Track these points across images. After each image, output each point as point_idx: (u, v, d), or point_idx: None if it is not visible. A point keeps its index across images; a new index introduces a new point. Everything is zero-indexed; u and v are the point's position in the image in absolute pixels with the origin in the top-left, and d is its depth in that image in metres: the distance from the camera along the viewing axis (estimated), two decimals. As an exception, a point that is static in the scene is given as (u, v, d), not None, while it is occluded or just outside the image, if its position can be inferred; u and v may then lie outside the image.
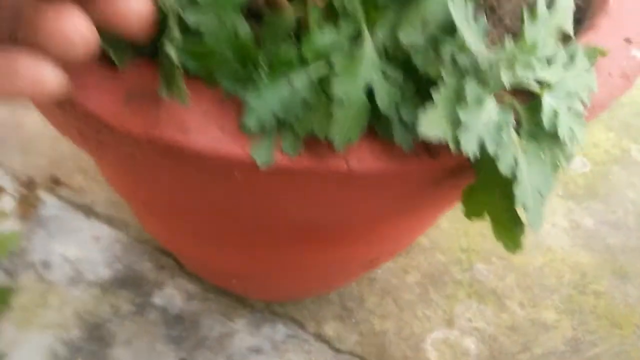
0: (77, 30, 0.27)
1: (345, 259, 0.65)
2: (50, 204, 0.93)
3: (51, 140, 1.02)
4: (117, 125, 0.34)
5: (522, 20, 0.39)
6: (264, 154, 0.35)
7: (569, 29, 0.42)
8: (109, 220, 0.94)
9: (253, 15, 0.38)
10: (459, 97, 0.34)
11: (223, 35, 0.34)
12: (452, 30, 0.34)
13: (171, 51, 0.32)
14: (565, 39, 0.44)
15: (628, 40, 0.49)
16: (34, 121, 1.03)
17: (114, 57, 0.35)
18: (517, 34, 0.53)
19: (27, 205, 0.88)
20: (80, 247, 0.92)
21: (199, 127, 0.35)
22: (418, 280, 0.98)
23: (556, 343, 1.02)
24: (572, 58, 0.41)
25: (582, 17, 0.56)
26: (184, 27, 0.34)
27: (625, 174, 1.29)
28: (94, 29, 0.28)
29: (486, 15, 0.55)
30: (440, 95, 0.33)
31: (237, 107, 0.36)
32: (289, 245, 0.57)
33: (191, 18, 0.34)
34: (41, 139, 1.02)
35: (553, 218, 1.21)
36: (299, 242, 0.56)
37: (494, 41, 0.52)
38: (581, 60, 0.41)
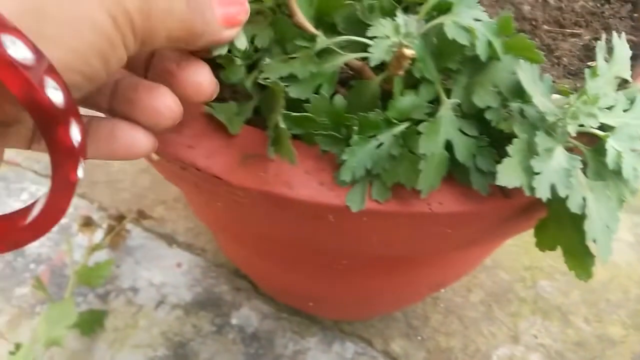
0: (165, 106, 0.34)
1: (415, 283, 0.70)
2: (135, 234, 1.03)
3: (133, 176, 1.12)
4: (235, 183, 0.41)
5: (581, 63, 0.43)
6: (357, 201, 0.41)
7: (627, 75, 0.45)
8: (189, 247, 1.02)
9: (342, 82, 0.44)
10: (530, 148, 0.38)
11: (321, 105, 0.40)
12: (521, 91, 0.38)
13: (280, 121, 0.38)
14: (624, 81, 0.47)
15: (684, 76, 0.51)
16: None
17: (228, 126, 0.42)
18: (576, 74, 0.57)
19: (117, 237, 0.97)
20: (164, 272, 1.00)
21: (302, 181, 0.41)
22: (482, 299, 1.01)
23: (624, 358, 1.02)
24: (631, 102, 0.44)
25: (637, 52, 0.59)
26: (289, 99, 0.40)
27: (691, 186, 1.27)
28: (179, 103, 0.35)
29: (544, 56, 0.59)
30: (514, 148, 0.38)
31: (332, 161, 0.42)
32: (366, 272, 0.62)
33: (293, 92, 0.40)
34: (125, 175, 1.12)
35: (618, 233, 1.20)
36: (375, 270, 0.61)
37: (554, 82, 0.56)
38: (640, 104, 0.44)
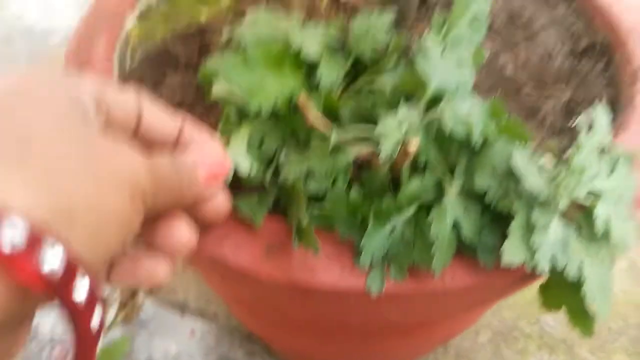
0: (181, 240, 0.37)
1: (426, 339, 0.73)
2: (148, 306, 1.04)
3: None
4: (262, 275, 0.44)
5: (564, 121, 0.47)
6: (376, 284, 0.44)
7: (608, 142, 0.50)
8: (201, 314, 1.04)
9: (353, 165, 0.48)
10: (529, 225, 0.42)
11: (338, 198, 0.44)
12: (516, 173, 0.43)
13: (303, 215, 0.42)
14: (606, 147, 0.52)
15: (659, 134, 0.56)
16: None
17: (252, 220, 0.46)
18: (560, 132, 0.62)
19: (130, 311, 0.98)
20: (178, 342, 1.02)
21: (325, 268, 0.44)
22: (490, 339, 1.04)
23: (630, 385, 1.05)
24: (614, 167, 0.49)
25: (615, 108, 0.64)
26: (308, 193, 0.44)
27: (676, 208, 1.32)
28: (196, 234, 0.38)
29: (528, 117, 0.64)
30: (514, 226, 0.42)
31: (351, 246, 0.46)
32: (381, 335, 0.65)
33: (313, 187, 0.44)
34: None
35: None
36: (391, 332, 0.64)
37: (540, 144, 0.61)
38: (622, 167, 0.49)
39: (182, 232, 0.37)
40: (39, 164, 0.27)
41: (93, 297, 0.27)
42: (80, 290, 0.27)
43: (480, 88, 0.65)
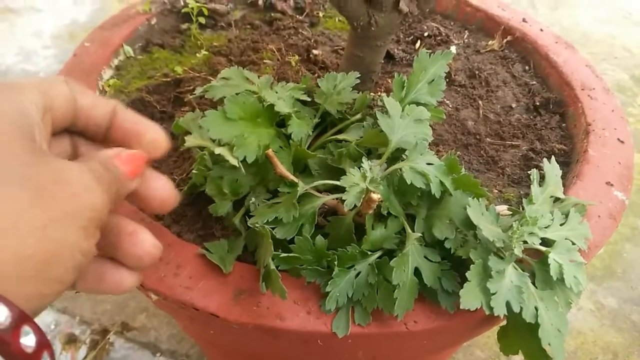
0: (145, 252, 0.37)
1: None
2: (119, 346, 1.03)
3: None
4: (231, 319, 0.46)
5: (522, 172, 0.50)
6: (342, 327, 0.46)
7: (560, 194, 0.54)
8: (172, 354, 1.03)
9: (320, 213, 0.50)
10: (486, 271, 0.45)
11: (304, 245, 0.46)
12: (472, 223, 0.46)
13: (271, 263, 0.44)
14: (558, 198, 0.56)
15: (609, 184, 0.60)
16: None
17: (221, 266, 0.48)
18: (519, 182, 0.65)
19: (101, 351, 0.97)
20: (149, 383, 1.00)
21: (292, 313, 0.46)
22: (461, 381, 1.05)
23: None
24: (566, 216, 0.52)
25: (569, 160, 0.68)
26: (275, 239, 0.46)
27: (638, 250, 1.37)
28: (159, 246, 0.38)
29: (489, 167, 0.68)
30: (472, 272, 0.44)
31: (317, 290, 0.47)
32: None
33: (279, 234, 0.46)
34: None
35: (578, 302, 1.28)
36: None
37: (501, 191, 0.64)
38: (574, 216, 0.52)
39: (146, 245, 0.37)
40: None
41: (42, 342, 0.27)
42: (28, 338, 0.27)
43: (443, 140, 0.69)
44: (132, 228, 0.37)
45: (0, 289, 0.26)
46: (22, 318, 0.27)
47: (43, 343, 0.28)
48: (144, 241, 0.37)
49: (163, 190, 0.40)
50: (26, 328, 0.27)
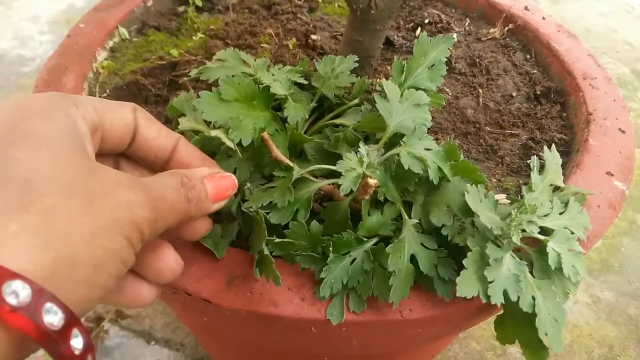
0: (167, 267, 0.38)
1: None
2: (113, 333, 1.02)
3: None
4: (224, 305, 0.45)
5: (522, 161, 0.49)
6: (336, 314, 0.45)
7: (560, 182, 0.53)
8: (167, 343, 1.02)
9: (316, 199, 0.49)
10: (483, 259, 0.44)
11: (299, 230, 0.45)
12: (471, 209, 0.45)
13: (265, 247, 0.43)
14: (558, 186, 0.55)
15: (609, 174, 0.59)
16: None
17: (214, 251, 0.47)
18: (518, 171, 0.64)
19: (95, 339, 0.96)
20: (143, 371, 1.00)
21: (286, 299, 0.45)
22: (456, 372, 1.04)
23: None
24: (565, 205, 0.51)
25: (570, 149, 0.67)
26: (270, 225, 0.45)
27: (636, 245, 1.37)
28: (181, 262, 0.39)
29: (488, 156, 0.67)
30: (469, 260, 0.43)
31: (311, 276, 0.47)
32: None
33: (274, 218, 0.45)
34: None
35: (574, 295, 1.28)
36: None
37: (500, 180, 0.63)
38: (573, 205, 0.51)
39: (169, 260, 0.38)
40: (40, 211, 0.27)
41: (69, 321, 0.28)
42: (53, 317, 0.27)
43: (442, 129, 0.68)
44: (156, 242, 0.38)
45: (55, 291, 0.27)
46: (73, 321, 0.28)
47: (89, 346, 0.29)
48: (168, 256, 0.38)
49: (203, 221, 0.41)
50: (75, 331, 0.28)
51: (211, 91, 0.47)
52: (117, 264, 0.31)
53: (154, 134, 0.41)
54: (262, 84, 0.50)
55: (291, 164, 0.47)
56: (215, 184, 0.39)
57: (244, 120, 0.47)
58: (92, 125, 0.36)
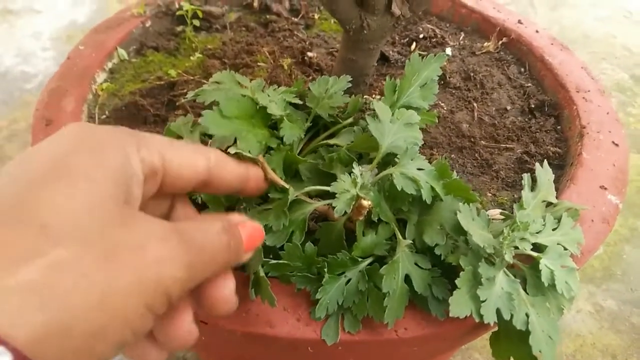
0: (178, 336, 0.33)
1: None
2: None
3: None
4: (220, 325, 0.45)
5: (517, 175, 0.50)
6: (331, 335, 0.46)
7: (552, 199, 0.53)
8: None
9: (311, 218, 0.50)
10: (476, 277, 0.44)
11: (294, 252, 0.46)
12: (463, 228, 0.45)
13: (260, 270, 0.43)
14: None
15: (603, 188, 0.60)
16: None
17: (212, 272, 0.47)
18: (513, 185, 0.65)
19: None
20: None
21: (282, 320, 0.46)
22: (459, 384, 1.04)
23: None
24: (558, 221, 0.52)
25: (564, 163, 0.68)
26: (265, 245, 0.46)
27: (638, 252, 1.37)
28: (195, 331, 0.34)
29: (483, 170, 0.67)
30: (461, 279, 0.44)
31: (307, 297, 0.47)
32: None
33: (269, 241, 0.46)
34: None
35: (577, 304, 1.27)
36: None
37: (495, 195, 0.64)
38: (566, 221, 0.52)
39: (183, 328, 0.33)
40: (46, 265, 0.24)
41: None
42: None
43: (437, 143, 0.69)
44: (174, 309, 0.34)
45: None
46: None
47: None
48: (183, 323, 0.33)
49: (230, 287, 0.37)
50: None
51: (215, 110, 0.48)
52: (123, 333, 0.27)
53: (230, 177, 0.39)
54: (259, 104, 0.50)
55: (286, 185, 0.47)
56: (248, 231, 0.36)
57: (247, 135, 0.48)
58: (151, 170, 0.33)
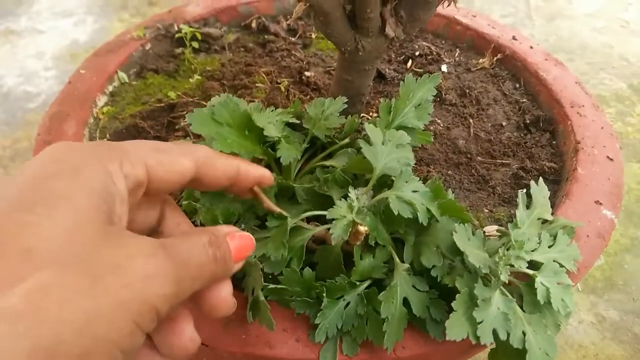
0: (180, 345, 0.34)
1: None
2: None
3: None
4: (221, 348, 0.46)
5: (513, 190, 0.50)
6: (329, 357, 0.46)
7: (548, 216, 0.54)
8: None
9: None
10: (472, 299, 0.45)
11: (292, 277, 0.46)
12: (459, 249, 0.46)
13: (260, 294, 0.44)
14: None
15: (598, 203, 0.61)
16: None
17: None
18: (509, 201, 0.66)
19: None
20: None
21: (281, 341, 0.46)
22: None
23: None
24: (554, 238, 0.52)
25: (560, 178, 0.68)
26: (264, 273, 0.46)
27: (639, 261, 1.37)
28: (197, 339, 0.35)
29: (479, 186, 0.68)
30: (457, 302, 0.44)
31: (306, 320, 0.48)
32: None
33: (267, 269, 0.47)
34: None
35: (579, 314, 1.27)
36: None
37: (492, 211, 0.65)
38: (562, 238, 0.52)
39: (184, 337, 0.34)
40: (28, 290, 0.24)
41: None
42: None
43: (434, 160, 0.70)
44: (175, 313, 0.34)
45: None
46: None
47: None
48: (183, 332, 0.34)
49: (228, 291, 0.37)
50: None
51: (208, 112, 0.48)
52: (110, 354, 0.26)
53: (220, 173, 0.39)
54: (256, 124, 0.51)
55: (284, 213, 0.47)
56: (236, 242, 0.36)
57: (232, 144, 0.48)
58: (135, 183, 0.33)
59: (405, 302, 0.46)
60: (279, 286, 0.45)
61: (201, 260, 0.32)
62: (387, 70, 0.84)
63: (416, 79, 0.57)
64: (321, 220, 0.50)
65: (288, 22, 0.93)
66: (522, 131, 0.76)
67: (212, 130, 0.47)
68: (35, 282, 0.25)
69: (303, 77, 0.79)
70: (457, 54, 0.89)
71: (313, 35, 0.93)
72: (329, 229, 0.46)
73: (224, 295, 0.36)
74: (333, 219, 0.45)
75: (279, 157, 0.52)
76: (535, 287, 0.48)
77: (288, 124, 0.58)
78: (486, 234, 0.60)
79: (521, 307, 0.49)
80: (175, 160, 0.36)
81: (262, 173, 0.43)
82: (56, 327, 0.24)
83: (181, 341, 0.34)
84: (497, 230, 0.58)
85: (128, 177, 0.32)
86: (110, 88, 0.76)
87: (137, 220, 0.37)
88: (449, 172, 0.69)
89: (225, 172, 0.40)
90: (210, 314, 0.36)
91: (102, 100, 0.74)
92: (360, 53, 0.61)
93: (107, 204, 0.30)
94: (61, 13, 2.16)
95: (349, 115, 0.60)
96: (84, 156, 0.31)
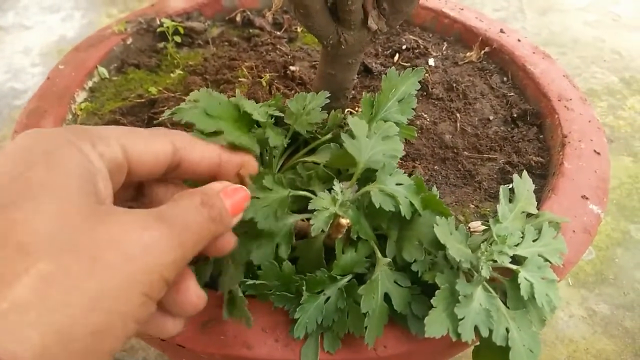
0: (189, 301, 0.35)
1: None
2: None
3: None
4: (198, 350, 0.45)
5: (499, 185, 0.49)
6: (310, 356, 0.45)
7: (532, 209, 0.53)
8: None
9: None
10: (453, 295, 0.44)
11: (271, 271, 0.45)
12: (441, 244, 0.45)
13: (236, 288, 0.43)
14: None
15: (585, 197, 0.60)
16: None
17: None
18: (496, 196, 0.65)
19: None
20: (136, 404, 0.99)
21: (260, 341, 0.45)
22: (451, 395, 1.04)
23: None
24: (539, 231, 0.51)
25: (547, 172, 0.68)
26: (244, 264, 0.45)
27: (630, 255, 1.37)
28: (203, 296, 0.36)
29: (466, 181, 0.67)
30: (437, 298, 0.44)
31: (285, 316, 0.47)
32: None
33: (256, 258, 0.45)
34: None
35: (569, 309, 1.27)
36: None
37: (478, 206, 0.64)
38: (547, 231, 0.51)
39: (190, 294, 0.35)
40: (32, 282, 0.25)
41: None
42: None
43: (420, 155, 0.69)
44: (179, 278, 0.35)
45: None
46: None
47: None
48: (189, 290, 0.35)
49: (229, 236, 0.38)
50: None
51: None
52: (126, 325, 0.27)
53: (198, 159, 0.39)
54: (242, 110, 0.49)
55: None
56: (231, 197, 0.37)
57: (227, 131, 0.47)
58: (114, 163, 0.33)
59: (387, 297, 0.45)
60: (257, 282, 0.44)
61: (197, 222, 0.33)
62: (373, 64, 0.83)
63: (399, 73, 0.56)
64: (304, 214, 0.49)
65: (269, 14, 0.92)
66: (509, 125, 0.75)
67: (213, 126, 0.46)
68: (38, 272, 0.25)
69: (288, 72, 0.78)
70: (444, 48, 0.88)
71: (299, 29, 0.92)
72: (309, 218, 0.45)
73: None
74: (314, 210, 0.44)
75: (261, 152, 0.51)
76: (519, 282, 0.47)
77: (271, 118, 0.56)
78: (471, 229, 0.60)
79: (505, 304, 0.48)
80: (151, 140, 0.36)
81: (244, 157, 0.43)
82: (66, 310, 0.25)
83: (190, 299, 0.34)
84: (483, 224, 0.58)
85: (104, 155, 0.32)
86: (90, 84, 0.75)
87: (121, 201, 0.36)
88: (435, 167, 0.68)
89: (205, 157, 0.40)
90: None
91: (81, 96, 0.72)
92: (343, 46, 0.59)
93: (90, 184, 0.30)
94: (49, 8, 2.13)
95: (333, 110, 0.59)
96: (55, 141, 0.30)
